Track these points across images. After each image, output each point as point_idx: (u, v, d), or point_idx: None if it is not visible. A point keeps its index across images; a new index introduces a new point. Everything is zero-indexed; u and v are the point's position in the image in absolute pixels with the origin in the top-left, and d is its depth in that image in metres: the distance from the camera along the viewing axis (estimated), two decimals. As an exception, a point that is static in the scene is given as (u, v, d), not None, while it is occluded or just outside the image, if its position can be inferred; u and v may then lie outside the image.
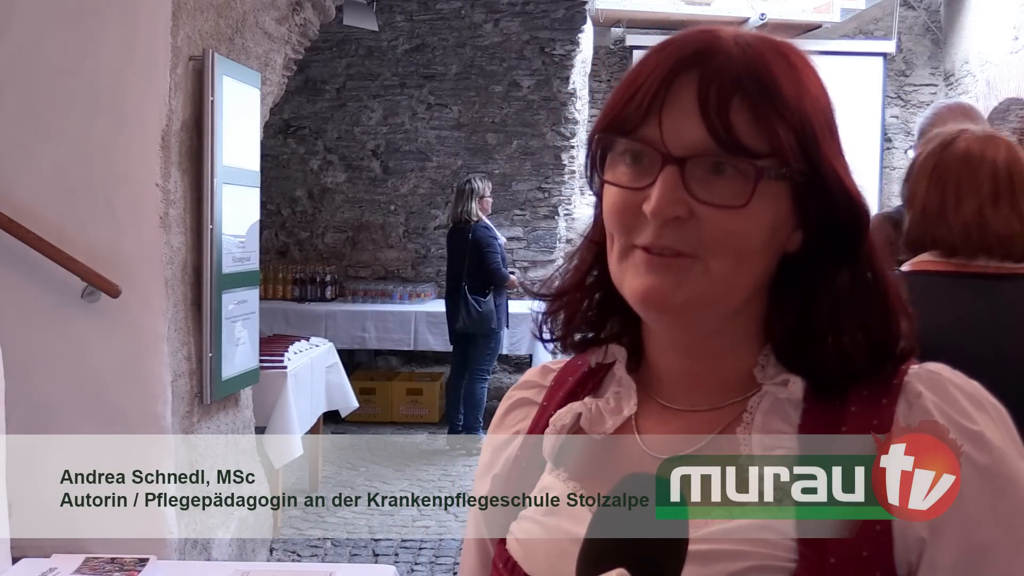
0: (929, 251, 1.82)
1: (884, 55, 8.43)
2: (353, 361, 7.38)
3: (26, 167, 3.23)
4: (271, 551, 4.38)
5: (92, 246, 3.18)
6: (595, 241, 0.85)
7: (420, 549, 4.61)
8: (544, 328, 0.90)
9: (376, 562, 4.39)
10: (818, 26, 8.36)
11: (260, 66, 3.91)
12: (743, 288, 0.78)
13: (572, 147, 7.80)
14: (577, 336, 0.89)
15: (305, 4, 4.11)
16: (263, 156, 4.05)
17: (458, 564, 4.39)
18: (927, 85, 8.44)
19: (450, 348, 6.67)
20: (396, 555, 4.53)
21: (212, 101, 3.36)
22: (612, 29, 8.62)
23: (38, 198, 3.21)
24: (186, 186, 3.36)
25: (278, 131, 7.74)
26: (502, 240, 6.41)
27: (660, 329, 0.82)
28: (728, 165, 0.74)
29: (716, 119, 0.73)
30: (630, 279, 0.77)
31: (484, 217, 6.27)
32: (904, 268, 1.86)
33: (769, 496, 0.74)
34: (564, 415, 0.87)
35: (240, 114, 3.62)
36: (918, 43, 8.55)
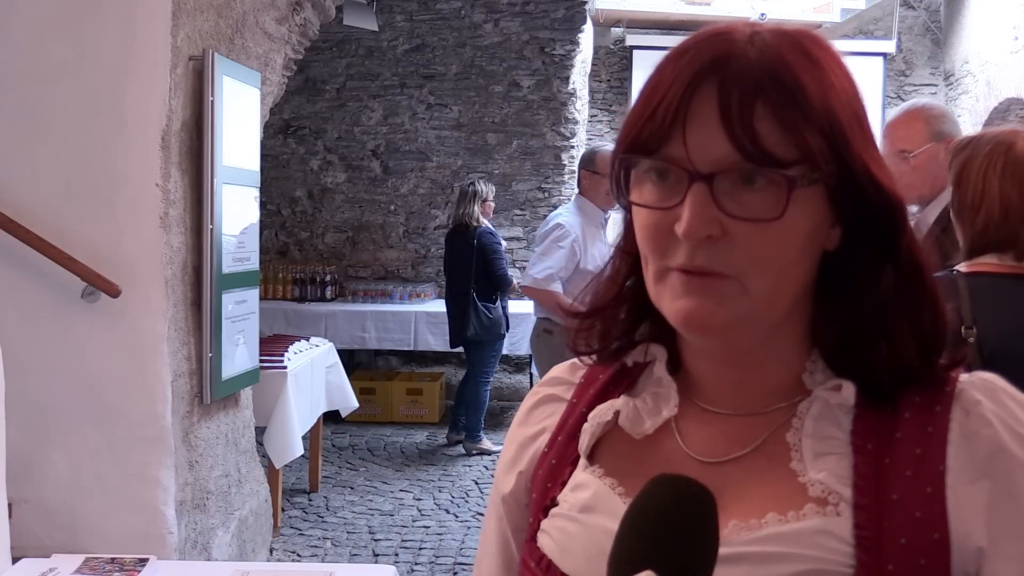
0: (994, 252, 1.82)
1: (884, 55, 8.43)
2: (353, 361, 7.38)
3: (26, 167, 3.23)
4: (271, 551, 4.38)
5: (92, 246, 3.18)
6: (627, 251, 0.83)
7: (420, 549, 4.61)
8: (580, 343, 0.87)
9: (376, 562, 4.39)
10: (818, 26, 8.35)
11: (260, 66, 3.91)
12: (785, 300, 0.76)
13: (572, 147, 7.80)
14: (614, 346, 0.87)
15: (305, 4, 4.11)
16: (263, 156, 4.05)
17: (459, 564, 4.38)
18: (927, 85, 8.44)
19: (449, 349, 6.69)
20: (396, 555, 4.53)
21: (212, 101, 3.36)
22: (612, 29, 8.62)
23: (38, 198, 3.21)
24: (186, 186, 3.36)
25: (278, 131, 7.74)
26: (504, 243, 6.43)
27: (702, 346, 0.80)
28: (758, 176, 0.71)
29: (740, 130, 0.70)
30: (668, 302, 0.75)
31: (486, 221, 6.28)
32: (962, 269, 1.86)
33: (823, 499, 0.73)
34: (605, 411, 0.85)
35: (240, 114, 3.62)
36: (918, 43, 8.54)
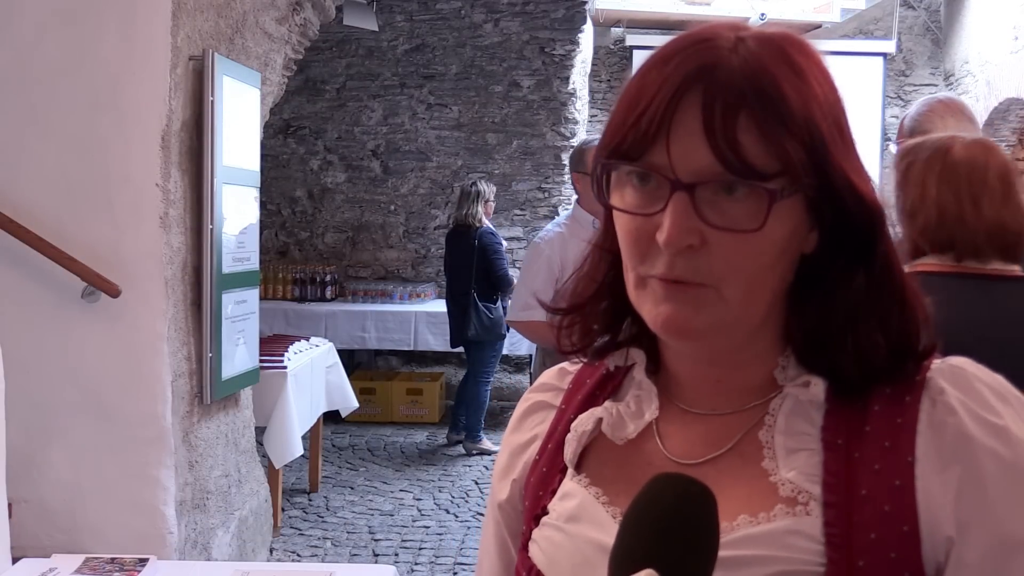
0: (935, 253, 1.84)
1: (884, 55, 8.42)
2: (353, 361, 7.38)
3: (26, 167, 3.23)
4: (271, 551, 4.38)
5: (92, 246, 3.18)
6: (607, 249, 0.84)
7: (420, 549, 4.61)
8: (563, 340, 0.88)
9: (376, 562, 4.39)
10: (818, 26, 8.35)
11: (260, 66, 3.91)
12: (762, 304, 0.77)
13: (572, 147, 7.80)
14: (596, 344, 0.88)
15: (305, 4, 4.11)
16: (263, 156, 4.05)
17: (459, 564, 4.39)
18: (927, 85, 8.43)
19: (450, 348, 6.69)
20: (396, 555, 4.53)
21: (212, 101, 3.36)
22: (612, 29, 8.62)
23: (38, 198, 3.21)
24: (186, 186, 3.36)
25: (278, 131, 7.74)
26: (504, 244, 6.43)
27: (682, 349, 0.81)
28: (739, 186, 0.72)
29: (723, 142, 0.71)
30: (649, 307, 0.76)
31: (487, 221, 6.29)
32: (904, 269, 1.88)
33: (793, 499, 0.74)
34: (586, 420, 0.86)
35: (240, 114, 3.62)
36: (918, 43, 8.54)
